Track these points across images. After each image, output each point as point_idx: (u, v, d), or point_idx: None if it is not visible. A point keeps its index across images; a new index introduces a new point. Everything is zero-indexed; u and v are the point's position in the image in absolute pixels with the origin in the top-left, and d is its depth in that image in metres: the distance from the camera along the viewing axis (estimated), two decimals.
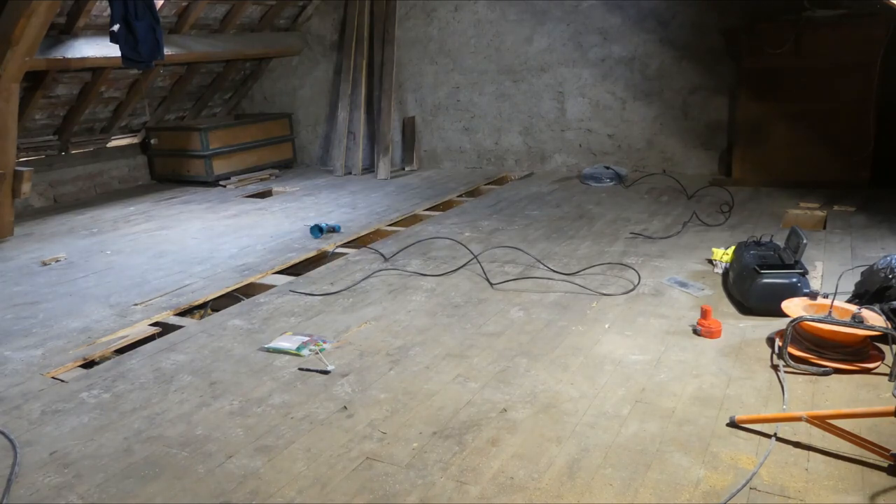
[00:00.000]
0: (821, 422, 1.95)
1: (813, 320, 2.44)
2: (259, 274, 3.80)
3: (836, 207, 4.51)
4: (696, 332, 2.76)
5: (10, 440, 2.20)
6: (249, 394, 2.45)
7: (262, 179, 6.76)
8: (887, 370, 2.39)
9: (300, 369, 2.60)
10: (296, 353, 2.75)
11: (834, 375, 2.39)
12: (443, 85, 6.69)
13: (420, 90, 6.81)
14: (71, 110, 5.87)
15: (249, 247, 4.36)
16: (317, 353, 2.74)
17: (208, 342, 2.93)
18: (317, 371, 2.57)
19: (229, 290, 3.59)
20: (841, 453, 1.94)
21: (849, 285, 2.94)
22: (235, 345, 2.89)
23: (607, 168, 5.78)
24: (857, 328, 2.38)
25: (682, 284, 3.31)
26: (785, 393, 2.28)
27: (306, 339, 2.85)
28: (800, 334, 2.50)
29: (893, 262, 2.76)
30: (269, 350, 2.80)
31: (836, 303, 2.48)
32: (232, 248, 4.36)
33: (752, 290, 2.91)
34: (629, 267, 3.55)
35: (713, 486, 1.84)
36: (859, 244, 3.76)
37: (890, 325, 2.44)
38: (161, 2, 5.48)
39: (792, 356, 2.45)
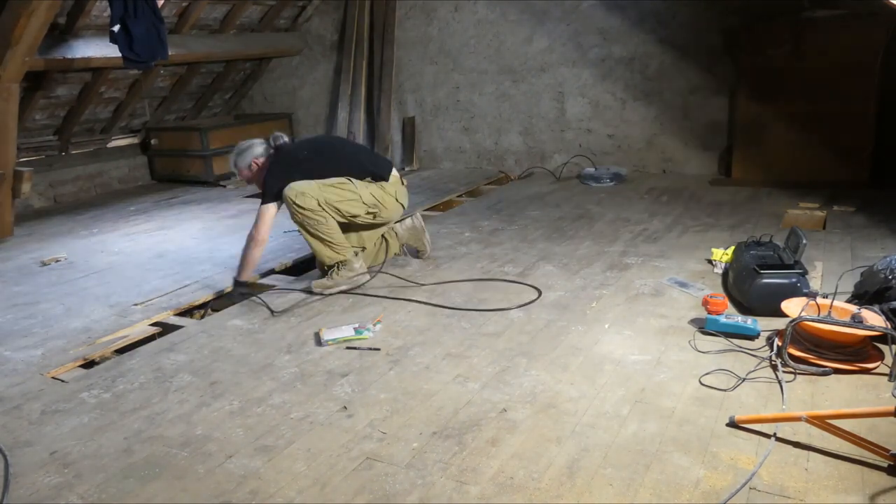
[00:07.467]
0: (820, 422, 1.94)
1: (813, 320, 2.44)
2: (259, 274, 3.80)
3: (836, 207, 4.50)
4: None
5: (2, 453, 2.15)
6: (249, 394, 2.45)
7: None
8: (887, 370, 2.39)
9: (348, 348, 2.75)
10: (360, 338, 2.85)
11: (834, 375, 2.39)
12: (443, 85, 6.69)
13: (420, 90, 6.81)
14: (71, 110, 5.87)
15: None
16: (374, 325, 2.94)
17: (208, 342, 2.93)
18: (369, 349, 2.73)
19: (229, 290, 3.59)
20: (841, 453, 1.94)
21: (849, 285, 2.94)
22: (235, 345, 2.89)
23: (607, 168, 5.78)
24: (856, 328, 2.38)
25: (682, 284, 3.31)
26: (784, 393, 2.28)
27: (356, 324, 2.95)
28: (799, 334, 2.50)
29: (893, 262, 2.76)
30: (332, 342, 2.83)
31: (835, 303, 2.49)
32: (232, 248, 4.36)
33: (751, 290, 2.91)
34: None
35: (713, 486, 1.84)
36: (859, 244, 3.76)
37: (890, 325, 2.44)
38: (161, 2, 5.47)
39: (792, 356, 2.45)
